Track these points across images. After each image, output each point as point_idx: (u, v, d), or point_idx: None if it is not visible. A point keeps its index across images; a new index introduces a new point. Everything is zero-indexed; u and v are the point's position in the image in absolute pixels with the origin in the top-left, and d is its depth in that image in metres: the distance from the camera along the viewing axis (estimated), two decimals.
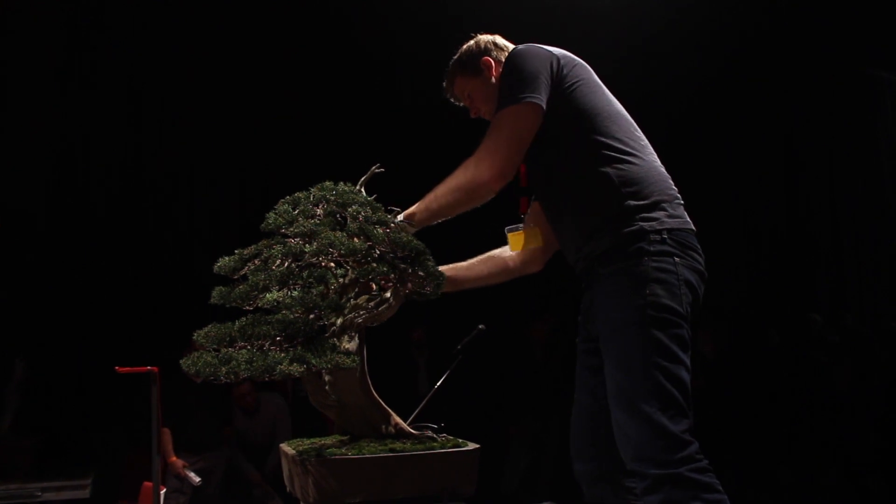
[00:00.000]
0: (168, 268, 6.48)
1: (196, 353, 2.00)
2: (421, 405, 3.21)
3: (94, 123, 6.57)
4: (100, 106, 6.57)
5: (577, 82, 2.29)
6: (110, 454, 5.85)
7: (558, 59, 2.29)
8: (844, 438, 6.21)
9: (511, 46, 2.51)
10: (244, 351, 1.97)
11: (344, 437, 2.21)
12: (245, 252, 2.15)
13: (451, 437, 2.23)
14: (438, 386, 3.41)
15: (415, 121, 7.00)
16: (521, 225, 2.57)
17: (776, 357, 6.87)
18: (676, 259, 2.16)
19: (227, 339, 2.00)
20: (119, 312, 6.21)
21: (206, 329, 2.05)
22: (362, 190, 2.25)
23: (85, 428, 6.12)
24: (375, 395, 2.23)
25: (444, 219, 2.27)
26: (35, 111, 6.36)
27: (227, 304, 2.09)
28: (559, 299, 6.93)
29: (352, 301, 2.17)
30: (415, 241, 2.10)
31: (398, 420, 2.24)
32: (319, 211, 2.15)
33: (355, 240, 2.06)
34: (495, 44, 2.52)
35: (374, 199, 2.21)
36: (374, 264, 2.07)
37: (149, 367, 3.53)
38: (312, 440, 2.26)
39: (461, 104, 2.60)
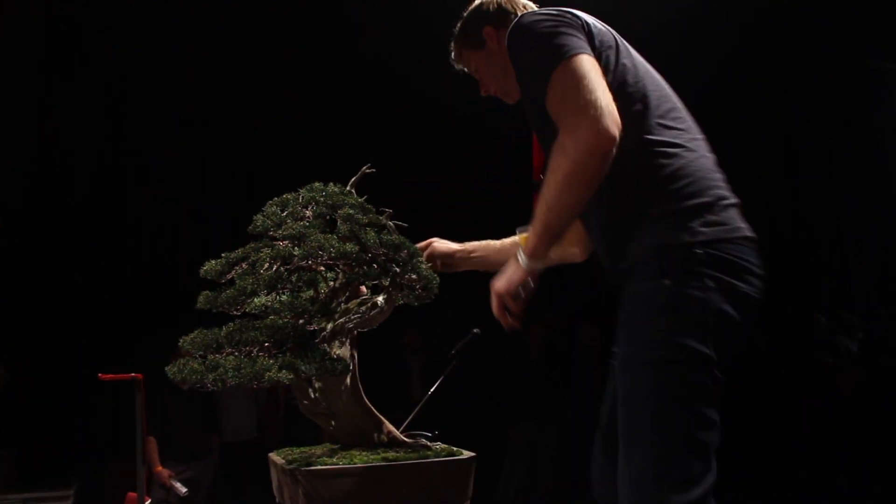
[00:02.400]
0: (153, 272, 6.46)
1: (182, 360, 2.00)
2: (414, 412, 3.20)
3: (77, 126, 6.55)
4: (82, 110, 6.55)
5: (609, 52, 1.93)
6: (93, 464, 5.83)
7: (589, 25, 1.94)
8: (852, 442, 6.23)
9: (526, 2, 2.20)
10: (232, 357, 1.96)
11: (335, 446, 2.20)
12: (232, 255, 2.14)
13: (446, 446, 2.22)
14: (432, 392, 3.41)
15: (407, 121, 6.99)
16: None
17: (781, 360, 6.89)
18: (709, 282, 1.76)
19: (214, 345, 2.00)
20: (103, 318, 6.19)
21: (192, 335, 2.04)
22: (353, 191, 2.24)
23: (67, 436, 6.10)
24: (367, 402, 2.22)
25: (567, 228, 1.90)
26: (14, 114, 6.34)
27: (214, 309, 2.08)
28: (556, 301, 6.94)
29: (342, 305, 2.16)
30: (407, 243, 2.09)
31: (391, 428, 2.23)
32: (309, 213, 2.14)
33: (346, 243, 2.05)
34: (499, 5, 2.16)
35: (365, 200, 2.20)
36: (366, 267, 2.07)
37: (133, 375, 3.52)
38: (302, 449, 2.25)
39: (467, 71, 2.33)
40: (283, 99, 6.87)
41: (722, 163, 1.99)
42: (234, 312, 2.08)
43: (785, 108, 8.14)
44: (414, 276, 2.10)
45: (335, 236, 2.06)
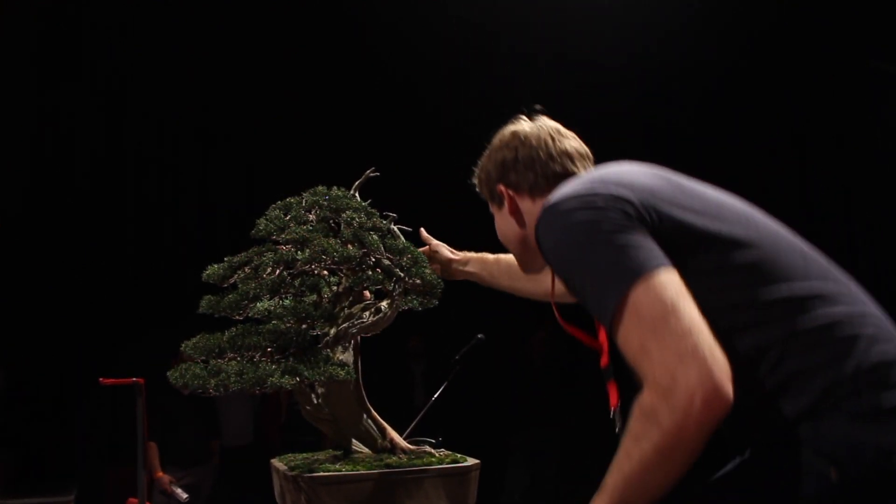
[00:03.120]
0: (155, 276, 6.47)
1: (184, 365, 2.00)
2: (417, 418, 3.20)
3: (77, 128, 6.56)
4: (82, 112, 6.57)
5: (687, 223, 1.38)
6: (94, 468, 5.83)
7: (632, 202, 1.36)
8: None
9: (552, 138, 1.71)
10: (234, 362, 1.97)
11: (337, 452, 2.20)
12: (235, 259, 2.14)
13: (450, 452, 2.22)
14: (436, 397, 3.41)
15: (411, 123, 7.00)
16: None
17: None
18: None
19: (217, 350, 2.00)
20: (103, 322, 6.20)
21: (194, 339, 2.05)
22: (356, 195, 2.25)
23: (67, 441, 6.11)
24: (370, 407, 2.23)
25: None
26: (11, 114, 6.35)
27: (217, 313, 2.09)
28: (560, 307, 6.93)
29: (346, 310, 2.16)
30: (411, 248, 2.10)
31: (394, 434, 2.23)
32: (312, 217, 2.15)
33: (349, 246, 2.06)
34: (516, 157, 1.71)
35: (369, 204, 2.21)
36: (369, 272, 2.07)
37: (134, 379, 3.51)
38: (305, 455, 2.26)
39: None
40: (286, 100, 6.88)
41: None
42: (237, 317, 2.09)
43: (786, 108, 8.13)
44: (418, 281, 2.10)
45: (339, 240, 2.06)
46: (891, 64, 7.32)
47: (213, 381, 1.93)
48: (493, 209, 1.82)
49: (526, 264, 1.82)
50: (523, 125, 1.76)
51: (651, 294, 1.27)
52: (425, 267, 2.12)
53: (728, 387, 1.21)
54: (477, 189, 1.87)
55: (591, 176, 1.47)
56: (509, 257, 2.13)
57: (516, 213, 1.72)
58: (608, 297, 1.31)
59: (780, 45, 7.54)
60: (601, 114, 6.50)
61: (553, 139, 1.71)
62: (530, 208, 1.70)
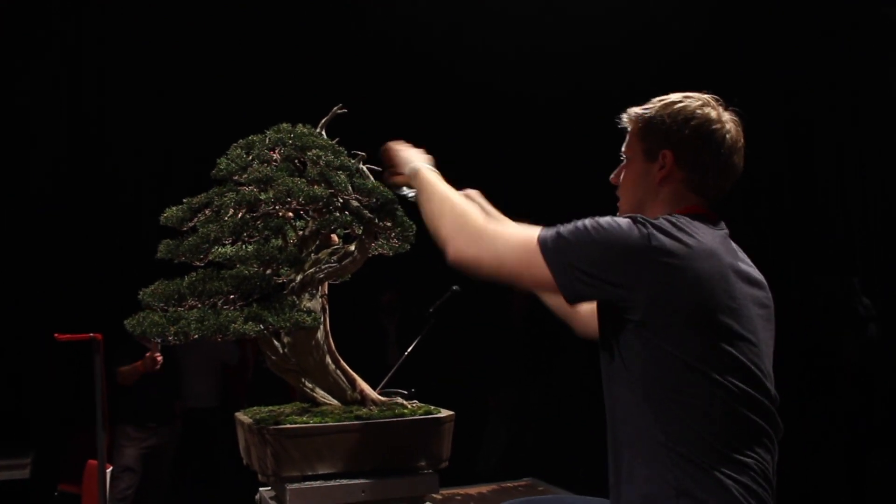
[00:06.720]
0: (111, 222, 6.39)
1: (142, 313, 1.98)
2: (390, 373, 3.21)
3: (31, 76, 6.44)
4: (39, 56, 6.44)
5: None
6: (51, 430, 5.82)
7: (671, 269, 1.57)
8: (849, 413, 6.31)
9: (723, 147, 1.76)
10: (195, 310, 1.95)
11: (305, 405, 2.21)
12: (194, 201, 2.11)
13: (423, 404, 2.23)
14: (409, 353, 3.41)
15: (380, 58, 6.92)
16: None
17: (784, 324, 6.95)
18: None
19: (176, 296, 1.99)
20: (57, 273, 6.13)
21: (152, 286, 2.03)
22: (323, 132, 2.22)
23: (23, 401, 6.08)
24: (340, 358, 2.23)
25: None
26: None
27: (176, 259, 2.07)
28: None
29: (312, 255, 2.15)
30: (381, 188, 2.07)
31: (364, 386, 2.23)
32: (276, 155, 2.12)
33: (315, 187, 2.04)
34: (696, 152, 1.74)
35: (337, 142, 2.18)
36: (337, 213, 2.05)
37: (91, 334, 3.49)
38: (271, 407, 2.26)
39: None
40: (251, 36, 6.76)
41: None
42: (197, 262, 2.07)
43: (788, 61, 8.10)
44: (389, 224, 2.09)
45: (304, 180, 2.04)
46: None
47: (172, 328, 1.91)
48: (631, 152, 1.83)
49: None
50: (731, 129, 1.78)
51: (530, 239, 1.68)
52: (398, 209, 2.11)
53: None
54: (627, 120, 1.85)
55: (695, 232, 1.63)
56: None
57: (663, 181, 1.77)
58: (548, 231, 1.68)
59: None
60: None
61: (737, 167, 1.80)
62: (670, 185, 1.77)
